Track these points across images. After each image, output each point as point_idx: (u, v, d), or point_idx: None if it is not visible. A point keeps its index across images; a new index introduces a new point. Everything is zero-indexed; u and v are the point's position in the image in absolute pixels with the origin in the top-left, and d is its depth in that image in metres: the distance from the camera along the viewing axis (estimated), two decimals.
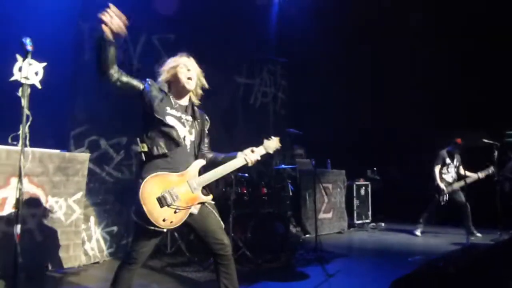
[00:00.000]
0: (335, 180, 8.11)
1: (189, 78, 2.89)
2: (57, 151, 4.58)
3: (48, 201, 4.37)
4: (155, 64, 5.80)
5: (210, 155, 3.00)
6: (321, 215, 7.60)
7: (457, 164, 7.16)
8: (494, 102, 7.69)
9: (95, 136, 5.12)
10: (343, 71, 9.23)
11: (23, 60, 2.37)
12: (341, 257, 5.40)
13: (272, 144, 3.07)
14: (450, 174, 7.18)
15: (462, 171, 7.08)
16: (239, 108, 6.95)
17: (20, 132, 2.34)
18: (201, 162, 2.82)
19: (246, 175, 5.67)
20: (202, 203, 2.78)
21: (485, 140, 5.88)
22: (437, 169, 7.19)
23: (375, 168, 10.67)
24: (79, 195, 4.65)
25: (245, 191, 5.41)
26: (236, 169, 2.92)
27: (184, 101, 2.92)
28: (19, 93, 2.36)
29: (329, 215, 7.86)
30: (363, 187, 8.73)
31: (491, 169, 6.69)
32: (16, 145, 2.40)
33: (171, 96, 2.85)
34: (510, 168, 7.03)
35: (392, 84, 8.88)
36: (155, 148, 2.67)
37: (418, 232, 7.32)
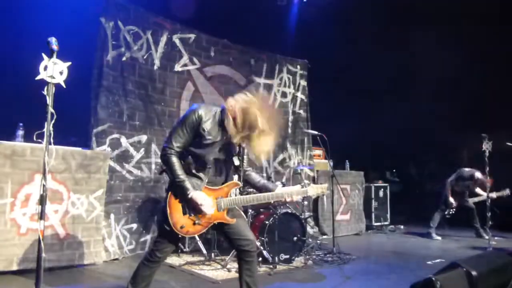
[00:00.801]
0: (354, 181, 8.03)
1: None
2: (79, 148, 4.68)
3: (70, 198, 4.46)
4: (177, 63, 5.91)
5: (251, 174, 2.95)
6: (339, 217, 7.54)
7: (471, 184, 7.26)
8: None
9: (116, 135, 5.20)
10: (364, 71, 9.15)
11: (49, 59, 2.43)
12: (358, 259, 5.35)
13: (318, 190, 2.94)
14: (462, 189, 7.31)
15: (476, 189, 7.28)
16: None
17: (45, 129, 2.39)
18: (236, 184, 2.81)
19: (264, 175, 5.68)
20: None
21: (510, 144, 5.76)
22: (450, 181, 7.34)
23: (394, 170, 10.56)
24: (100, 192, 4.74)
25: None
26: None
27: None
28: (45, 92, 2.41)
29: (347, 216, 7.80)
30: (382, 189, 8.63)
31: (506, 192, 6.69)
32: (40, 142, 2.46)
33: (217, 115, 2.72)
34: None
35: (416, 86, 8.76)
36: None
37: (436, 236, 7.28)
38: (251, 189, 4.61)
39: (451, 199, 7.25)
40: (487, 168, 5.79)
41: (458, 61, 8.17)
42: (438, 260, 5.13)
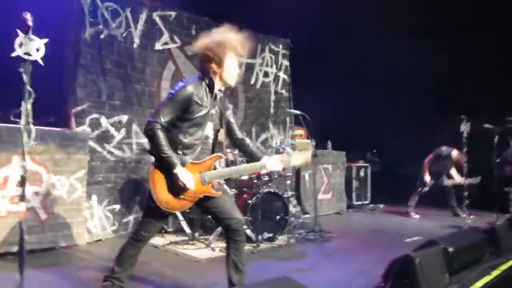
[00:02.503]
0: (335, 161, 8.13)
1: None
2: (58, 129, 4.58)
3: (51, 179, 4.39)
4: (157, 42, 5.79)
5: (245, 140, 2.98)
6: (321, 196, 7.65)
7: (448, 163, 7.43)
8: (496, 87, 7.70)
9: (96, 115, 5.10)
10: (347, 52, 9.15)
11: (24, 36, 2.34)
12: (339, 237, 5.46)
13: (302, 159, 2.91)
14: (439, 169, 7.47)
15: (452, 168, 7.47)
16: (240, 87, 6.90)
17: (23, 109, 2.32)
18: (219, 157, 2.80)
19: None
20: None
21: (486, 126, 5.89)
22: (427, 160, 7.50)
23: (374, 150, 10.72)
24: (81, 173, 4.67)
25: None
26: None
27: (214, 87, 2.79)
28: (21, 69, 2.32)
29: (329, 196, 7.91)
30: (363, 169, 8.77)
31: (477, 180, 6.95)
32: (18, 122, 2.38)
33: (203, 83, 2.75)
34: (510, 153, 7.14)
35: (395, 68, 8.81)
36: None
37: (415, 214, 7.49)
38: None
39: (427, 177, 7.42)
40: (465, 149, 5.92)
41: (436, 44, 8.29)
42: (416, 238, 5.27)
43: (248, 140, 2.99)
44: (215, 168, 2.80)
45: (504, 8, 7.55)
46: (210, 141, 2.83)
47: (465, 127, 5.87)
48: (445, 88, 8.73)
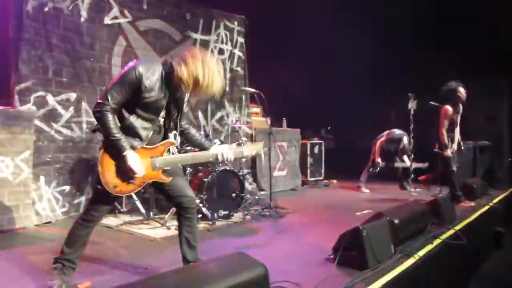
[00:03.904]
0: (290, 138, 8.27)
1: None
2: (1, 107, 4.34)
3: None
4: (106, 16, 5.55)
5: (190, 131, 2.94)
6: (276, 173, 7.79)
7: (398, 149, 7.70)
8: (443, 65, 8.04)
9: (42, 92, 4.87)
10: (302, 30, 9.20)
11: None
12: (294, 212, 5.61)
13: (254, 149, 2.93)
14: (390, 150, 7.77)
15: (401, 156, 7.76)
16: None
17: None
18: (171, 143, 2.76)
19: (202, 132, 5.66)
20: None
21: (432, 103, 6.15)
22: (379, 141, 7.73)
23: (329, 128, 10.99)
24: (27, 153, 4.48)
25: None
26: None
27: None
28: None
29: (284, 172, 8.07)
30: (317, 146, 8.97)
31: (425, 165, 7.22)
32: None
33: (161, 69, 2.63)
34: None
35: (348, 45, 8.99)
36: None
37: (365, 189, 7.79)
38: (190, 147, 4.60)
39: (379, 160, 7.68)
40: (412, 126, 6.17)
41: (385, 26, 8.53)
42: (366, 211, 5.51)
43: (193, 130, 2.97)
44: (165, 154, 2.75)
45: None
46: (162, 125, 2.76)
47: (412, 104, 6.10)
48: (395, 65, 9.01)
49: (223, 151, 2.81)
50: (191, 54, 2.55)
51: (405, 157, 7.74)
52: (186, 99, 2.82)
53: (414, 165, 6.59)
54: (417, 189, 7.01)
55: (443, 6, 8.24)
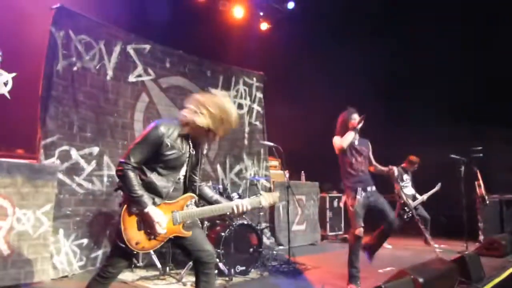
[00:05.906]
0: (309, 192, 8.19)
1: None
2: (26, 161, 4.47)
3: (16, 213, 4.24)
4: (131, 74, 5.81)
5: (204, 189, 2.96)
6: (295, 227, 7.65)
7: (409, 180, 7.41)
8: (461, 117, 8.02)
9: (66, 146, 5.02)
10: (319, 84, 9.40)
11: None
12: (313, 269, 5.44)
13: (270, 198, 2.94)
14: (408, 188, 7.40)
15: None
16: None
17: None
18: (191, 197, 2.80)
19: (220, 186, 5.67)
20: None
21: (453, 156, 6.08)
22: (398, 186, 7.42)
23: None
24: (48, 207, 4.54)
25: None
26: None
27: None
28: None
29: (303, 227, 7.92)
30: (336, 199, 8.84)
31: (438, 187, 7.00)
32: None
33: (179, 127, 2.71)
34: None
35: (362, 96, 9.11)
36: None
37: (387, 245, 7.50)
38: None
39: (408, 201, 7.07)
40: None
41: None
42: (388, 268, 5.31)
43: (207, 188, 2.99)
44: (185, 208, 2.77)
45: None
46: (182, 180, 2.81)
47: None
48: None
49: (238, 203, 2.81)
50: (196, 102, 2.65)
51: (407, 189, 7.31)
52: (205, 151, 2.89)
53: (426, 194, 6.37)
54: (442, 245, 6.75)
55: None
